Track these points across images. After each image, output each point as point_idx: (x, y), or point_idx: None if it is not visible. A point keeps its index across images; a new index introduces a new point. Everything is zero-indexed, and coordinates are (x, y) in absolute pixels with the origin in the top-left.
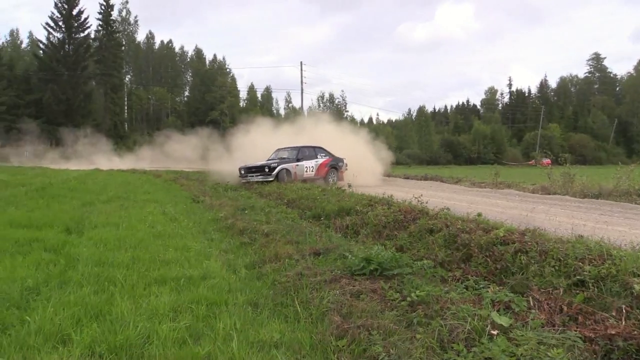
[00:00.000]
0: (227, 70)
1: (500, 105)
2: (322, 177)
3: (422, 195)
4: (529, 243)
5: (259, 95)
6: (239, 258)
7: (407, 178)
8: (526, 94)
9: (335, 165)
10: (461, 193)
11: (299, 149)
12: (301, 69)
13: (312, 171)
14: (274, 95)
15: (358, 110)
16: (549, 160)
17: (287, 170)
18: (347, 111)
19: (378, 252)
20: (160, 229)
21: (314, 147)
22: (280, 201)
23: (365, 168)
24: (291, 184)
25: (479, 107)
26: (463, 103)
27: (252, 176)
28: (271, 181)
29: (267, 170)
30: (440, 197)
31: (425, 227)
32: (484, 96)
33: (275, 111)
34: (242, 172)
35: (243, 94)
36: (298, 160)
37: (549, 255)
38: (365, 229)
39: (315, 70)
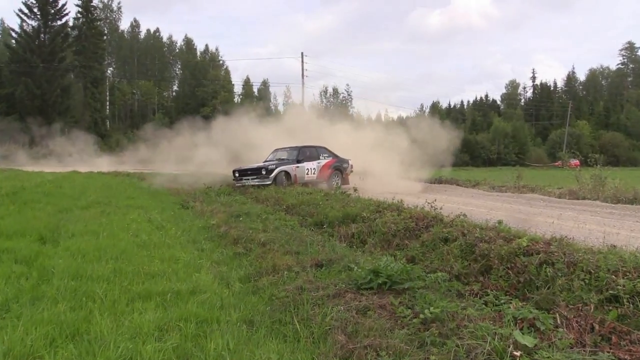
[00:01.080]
0: (221, 62)
1: (522, 100)
2: (325, 180)
3: (435, 200)
4: (556, 254)
5: (255, 89)
6: (232, 270)
7: (419, 181)
8: (551, 88)
9: (339, 167)
10: (479, 198)
11: (300, 149)
12: (302, 61)
13: (314, 173)
14: (272, 89)
15: (365, 106)
16: (577, 161)
17: (287, 172)
18: (352, 107)
19: (387, 264)
20: (145, 238)
21: (316, 147)
22: (278, 207)
23: (389, 171)
24: (291, 188)
25: (499, 102)
26: (481, 98)
27: (247, 179)
28: (269, 185)
29: (264, 172)
30: (456, 202)
31: (440, 235)
32: (504, 90)
33: (273, 107)
34: (236, 174)
35: (238, 89)
36: (298, 161)
37: (578, 268)
38: (372, 238)
39: (317, 62)
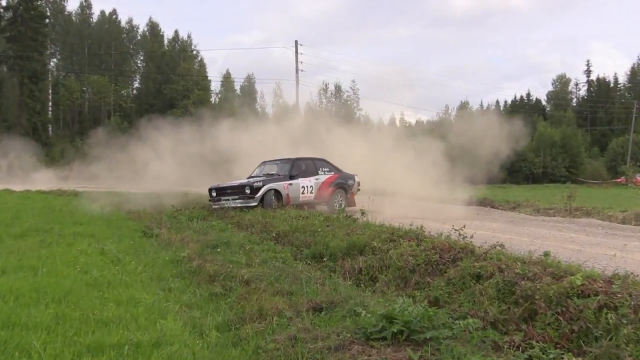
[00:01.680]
0: (194, 52)
1: (574, 100)
2: (325, 200)
3: (465, 226)
4: (619, 295)
5: (237, 87)
6: (207, 316)
7: (445, 202)
8: (611, 85)
9: (343, 184)
10: (520, 224)
11: (293, 161)
12: (296, 51)
13: (311, 192)
14: (258, 87)
15: (375, 108)
16: None
17: (277, 191)
18: (359, 109)
19: (404, 307)
20: (96, 275)
21: (313, 160)
22: (266, 235)
23: (411, 190)
24: (282, 211)
25: (544, 102)
26: (522, 97)
27: (228, 200)
28: (254, 207)
29: (248, 191)
30: (491, 229)
31: (470, 271)
32: (551, 88)
33: (259, 108)
34: (213, 194)
35: (216, 86)
36: (292, 177)
37: None
38: (385, 274)
39: (315, 53)
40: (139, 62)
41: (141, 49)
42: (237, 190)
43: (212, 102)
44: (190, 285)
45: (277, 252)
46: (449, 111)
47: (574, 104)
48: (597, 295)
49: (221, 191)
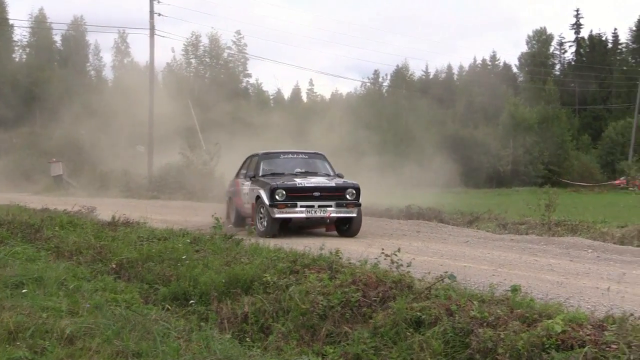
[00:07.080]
0: None
1: (558, 66)
2: None
3: (400, 249)
4: (614, 346)
5: (57, 38)
6: None
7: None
8: (609, 45)
9: None
10: (479, 245)
11: (323, 157)
12: None
13: None
14: (91, 38)
15: (271, 73)
16: None
17: None
18: (248, 74)
19: None
20: None
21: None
22: (101, 266)
23: None
24: (126, 229)
25: (515, 69)
26: (484, 61)
27: (312, 207)
28: (353, 219)
29: (351, 196)
30: (437, 253)
31: (407, 315)
32: (525, 49)
33: (93, 71)
34: (281, 195)
35: (22, 34)
36: (338, 177)
37: None
38: (283, 322)
39: None
40: None
41: None
42: (334, 194)
43: (16, 59)
44: None
45: (119, 292)
46: (381, 79)
47: (558, 73)
48: (584, 347)
49: (299, 192)
